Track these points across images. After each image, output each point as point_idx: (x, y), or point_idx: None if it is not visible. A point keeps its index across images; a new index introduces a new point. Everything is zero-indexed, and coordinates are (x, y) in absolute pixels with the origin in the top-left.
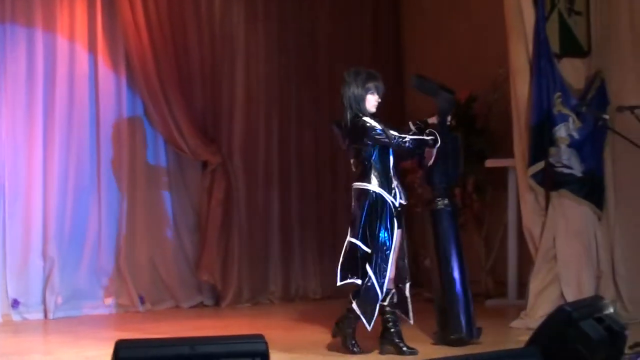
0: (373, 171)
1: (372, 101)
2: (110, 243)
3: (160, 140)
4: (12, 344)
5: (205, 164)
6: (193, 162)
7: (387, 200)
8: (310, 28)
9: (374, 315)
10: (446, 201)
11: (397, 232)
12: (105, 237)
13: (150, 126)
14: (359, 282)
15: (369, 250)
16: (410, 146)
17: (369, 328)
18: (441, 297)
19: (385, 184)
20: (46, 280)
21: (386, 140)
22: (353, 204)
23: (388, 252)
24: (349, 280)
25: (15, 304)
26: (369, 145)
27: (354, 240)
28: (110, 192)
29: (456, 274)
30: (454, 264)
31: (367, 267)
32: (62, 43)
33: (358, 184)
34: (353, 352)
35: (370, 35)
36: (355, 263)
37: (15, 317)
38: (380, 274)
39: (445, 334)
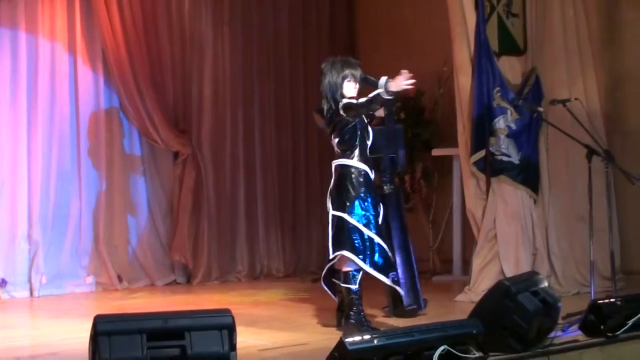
0: (356, 151)
1: (349, 88)
2: (90, 227)
3: (135, 132)
4: (0, 319)
5: (176, 154)
6: (165, 152)
7: (369, 175)
8: (271, 30)
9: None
10: (392, 186)
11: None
12: (86, 222)
13: (126, 119)
14: (349, 254)
15: (356, 223)
16: (370, 103)
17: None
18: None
19: (364, 160)
20: (31, 261)
21: (352, 104)
22: (334, 180)
23: (371, 224)
24: (339, 252)
25: (3, 283)
26: (348, 123)
27: (339, 213)
28: (90, 180)
29: (400, 253)
30: (397, 243)
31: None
32: (43, 43)
33: (340, 161)
34: (370, 327)
35: (327, 36)
36: (344, 236)
37: (4, 296)
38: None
39: (395, 307)
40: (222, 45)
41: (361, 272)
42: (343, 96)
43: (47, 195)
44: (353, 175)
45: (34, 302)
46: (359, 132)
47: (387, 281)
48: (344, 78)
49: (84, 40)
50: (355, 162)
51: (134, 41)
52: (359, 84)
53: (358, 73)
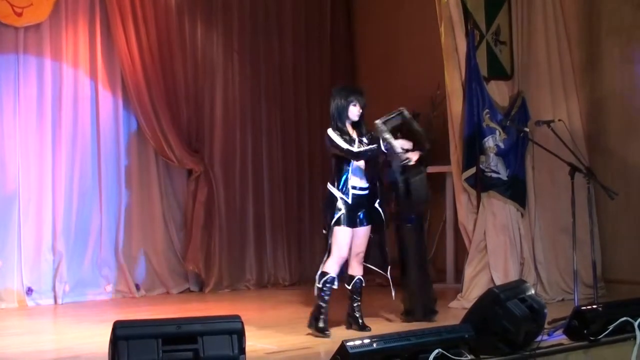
0: (334, 173)
1: (354, 111)
2: (110, 239)
3: (151, 151)
4: (26, 325)
5: (190, 172)
6: (180, 170)
7: (336, 197)
8: (277, 58)
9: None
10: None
11: (358, 230)
12: (106, 234)
13: (143, 140)
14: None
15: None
16: (360, 155)
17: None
18: (418, 285)
19: (338, 184)
20: (55, 271)
21: (337, 150)
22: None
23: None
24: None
25: (29, 291)
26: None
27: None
28: (109, 196)
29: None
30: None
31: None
32: (67, 70)
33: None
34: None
35: (328, 61)
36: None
37: (30, 303)
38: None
39: (409, 314)
40: (232, 71)
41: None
42: (348, 118)
43: (70, 210)
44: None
45: (57, 309)
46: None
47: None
48: (350, 102)
49: (105, 66)
50: (330, 186)
51: (151, 67)
52: (363, 109)
53: (362, 98)
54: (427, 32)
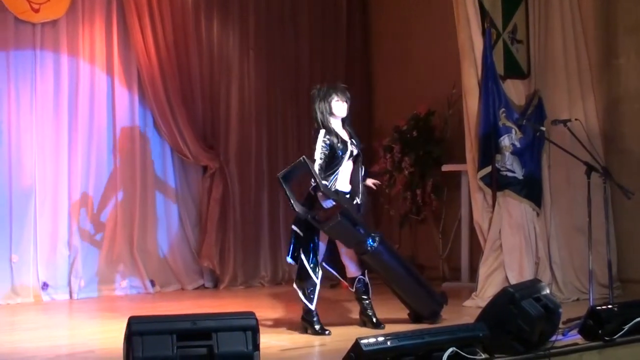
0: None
1: (339, 107)
2: (126, 235)
3: (167, 147)
4: (42, 320)
5: (205, 168)
6: (195, 167)
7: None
8: (292, 54)
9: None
10: (372, 241)
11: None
12: (121, 230)
13: (158, 136)
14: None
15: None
16: (313, 173)
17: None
18: (406, 297)
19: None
20: (71, 266)
21: (313, 155)
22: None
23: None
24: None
25: (44, 286)
26: None
27: None
28: (125, 192)
29: (408, 279)
30: (402, 275)
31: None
32: (84, 66)
33: None
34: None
35: (344, 59)
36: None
37: (45, 298)
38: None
39: (417, 313)
40: (247, 67)
41: None
42: (334, 116)
43: (85, 205)
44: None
45: (73, 304)
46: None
47: None
48: (332, 99)
49: (121, 62)
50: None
51: (167, 63)
52: (348, 102)
53: (343, 92)
54: (444, 30)
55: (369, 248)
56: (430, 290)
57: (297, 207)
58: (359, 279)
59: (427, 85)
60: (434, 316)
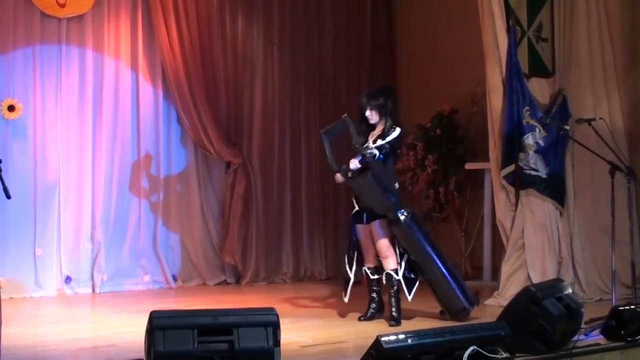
0: None
1: (367, 115)
2: (149, 229)
3: (191, 143)
4: (65, 313)
5: (228, 164)
6: (218, 162)
7: None
8: (316, 52)
9: None
10: (404, 212)
11: (358, 227)
12: (144, 225)
13: (182, 131)
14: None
15: None
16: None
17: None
18: (436, 286)
19: None
20: (94, 260)
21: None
22: None
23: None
24: None
25: (68, 280)
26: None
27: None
28: (148, 187)
29: (439, 265)
30: (433, 259)
31: None
32: (109, 61)
33: None
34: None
35: (368, 58)
36: None
37: (68, 292)
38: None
39: (450, 312)
40: (271, 64)
41: None
42: (366, 120)
43: (109, 199)
44: None
45: (95, 298)
46: None
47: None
48: (363, 108)
49: (146, 58)
50: None
51: (191, 59)
52: (371, 110)
53: (366, 102)
54: (468, 28)
55: (400, 216)
56: (462, 286)
57: (331, 161)
58: (386, 273)
59: (450, 83)
60: (463, 314)
